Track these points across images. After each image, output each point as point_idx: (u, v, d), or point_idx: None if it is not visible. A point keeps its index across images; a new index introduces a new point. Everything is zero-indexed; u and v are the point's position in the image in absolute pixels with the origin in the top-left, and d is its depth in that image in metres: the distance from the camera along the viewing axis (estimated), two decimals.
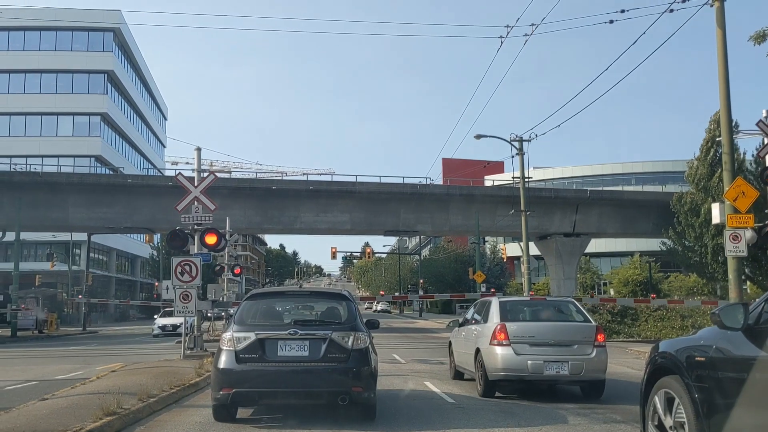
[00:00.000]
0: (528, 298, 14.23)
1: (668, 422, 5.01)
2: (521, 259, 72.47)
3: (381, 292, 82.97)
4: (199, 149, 17.62)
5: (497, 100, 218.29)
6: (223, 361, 8.17)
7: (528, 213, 32.33)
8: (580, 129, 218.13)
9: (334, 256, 66.71)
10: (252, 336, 8.19)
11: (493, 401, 10.69)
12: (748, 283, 53.64)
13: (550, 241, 44.34)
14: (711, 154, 39.79)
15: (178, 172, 16.51)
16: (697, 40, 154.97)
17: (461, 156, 61.55)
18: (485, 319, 11.77)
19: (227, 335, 8.39)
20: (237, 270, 32.87)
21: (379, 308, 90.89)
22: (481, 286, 42.43)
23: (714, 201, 39.35)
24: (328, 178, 43.90)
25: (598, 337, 10.94)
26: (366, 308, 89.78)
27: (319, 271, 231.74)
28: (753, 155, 40.64)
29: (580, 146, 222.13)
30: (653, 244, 67.83)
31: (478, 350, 11.39)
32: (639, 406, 5.61)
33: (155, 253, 73.63)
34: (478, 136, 31.65)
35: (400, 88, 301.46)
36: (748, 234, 15.84)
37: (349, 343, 8.23)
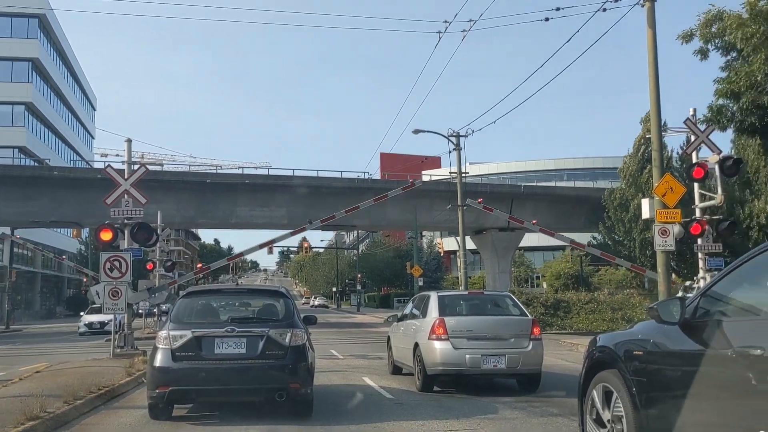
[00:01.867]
0: (466, 293, 14.32)
1: (606, 416, 5.03)
2: (457, 253, 73.44)
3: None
4: (129, 140, 16.98)
5: (436, 96, 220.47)
6: (159, 360, 8.11)
7: (465, 207, 32.58)
8: (516, 126, 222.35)
9: (270, 251, 66.06)
10: (188, 334, 8.14)
11: (432, 396, 10.72)
12: (674, 276, 55.92)
13: (485, 235, 44.94)
14: (642, 150, 41.14)
15: (107, 164, 15.88)
16: (631, 39, 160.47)
17: (399, 151, 61.59)
18: (424, 314, 11.78)
19: (163, 333, 8.31)
20: (169, 266, 31.94)
21: (316, 303, 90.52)
22: (418, 281, 42.68)
23: (644, 197, 40.84)
24: (264, 171, 43.23)
25: (534, 330, 11.08)
26: (303, 303, 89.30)
27: (255, 266, 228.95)
28: (678, 153, 42.28)
29: (516, 143, 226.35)
30: (584, 238, 69.84)
31: (416, 345, 11.42)
32: (577, 399, 5.61)
33: (83, 248, 71.21)
34: (416, 132, 31.75)
35: (338, 83, 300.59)
36: (676, 229, 16.38)
37: (287, 340, 8.21)
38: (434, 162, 79.20)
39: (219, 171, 42.37)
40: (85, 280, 55.87)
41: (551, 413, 9.00)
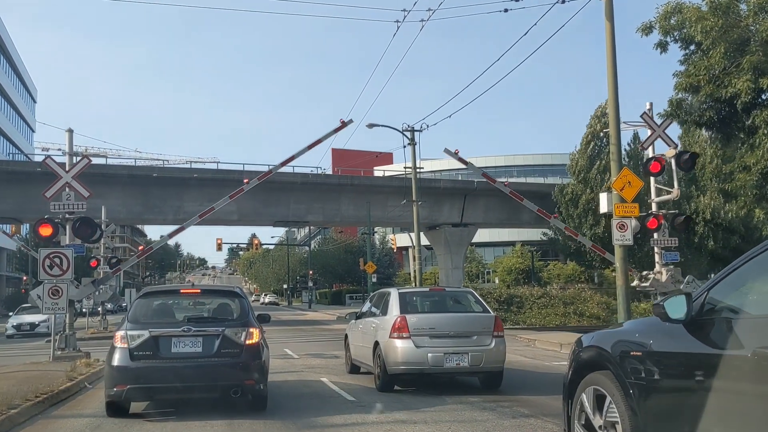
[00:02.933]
0: (427, 289, 13.96)
1: (597, 421, 4.67)
2: (410, 249, 73.37)
3: None
4: (70, 131, 16.00)
5: (391, 92, 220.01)
6: (117, 359, 8.35)
7: (419, 203, 32.30)
8: (470, 122, 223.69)
9: (219, 248, 64.63)
10: (146, 333, 8.41)
11: (393, 395, 10.36)
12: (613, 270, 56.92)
13: (439, 231, 44.83)
14: (591, 147, 41.61)
15: (47, 155, 14.92)
16: (586, 35, 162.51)
17: (351, 148, 61.01)
18: (384, 312, 11.40)
19: (120, 333, 8.51)
20: (114, 263, 30.67)
21: (266, 300, 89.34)
22: (372, 277, 42.28)
23: (592, 192, 41.38)
24: (213, 166, 42.11)
25: (497, 327, 10.83)
26: (253, 300, 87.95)
27: (203, 263, 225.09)
28: (626, 149, 42.94)
29: (469, 140, 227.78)
30: (534, 234, 70.67)
31: (377, 344, 11.06)
32: (562, 402, 5.25)
33: (23, 245, 68.36)
34: (370, 125, 31.32)
35: (288, 77, 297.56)
36: (633, 223, 16.36)
37: (242, 339, 8.53)
38: (386, 158, 78.99)
39: (166, 166, 41.05)
40: (24, 278, 53.59)
41: (522, 413, 8.67)
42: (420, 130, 31.15)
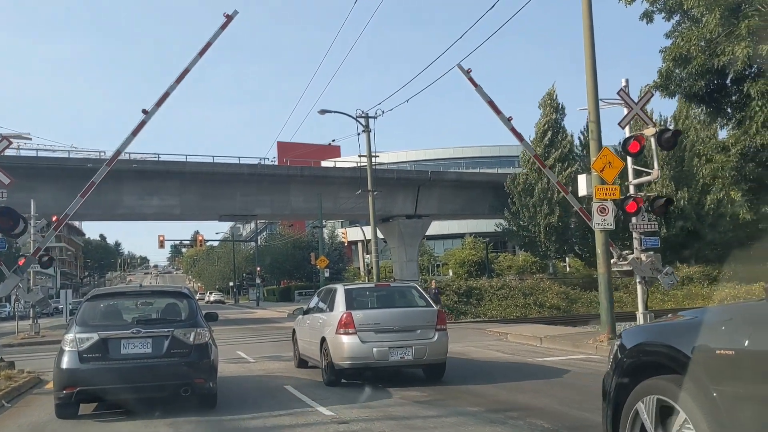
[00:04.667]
0: (373, 285, 14.20)
1: None
2: (360, 244, 72.00)
3: None
4: None
5: (341, 83, 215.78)
6: (66, 362, 8.41)
7: (374, 193, 30.92)
8: (423, 114, 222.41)
9: (162, 245, 62.04)
10: (95, 336, 8.50)
11: (342, 390, 10.27)
12: (567, 260, 56.81)
13: (392, 223, 43.58)
14: (548, 136, 41.01)
15: None
16: (546, 24, 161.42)
17: (298, 140, 59.13)
18: (331, 308, 11.58)
19: (69, 336, 8.59)
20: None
21: (212, 299, 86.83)
22: (324, 272, 40.73)
23: (548, 181, 40.80)
24: (154, 157, 39.72)
25: (440, 321, 11.14)
26: (198, 299, 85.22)
27: (144, 262, 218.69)
28: (579, 137, 42.53)
29: (422, 132, 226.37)
30: (483, 225, 70.17)
31: (323, 339, 11.25)
32: (602, 415, 4.24)
33: None
34: (323, 112, 29.75)
35: (230, 70, 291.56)
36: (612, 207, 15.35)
37: (191, 339, 8.71)
38: (334, 151, 77.34)
39: (102, 157, 38.48)
40: None
41: (541, 427, 7.34)
42: (375, 117, 29.75)
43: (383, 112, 29.30)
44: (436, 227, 68.85)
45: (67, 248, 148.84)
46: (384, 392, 10.07)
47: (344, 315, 10.78)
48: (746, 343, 3.24)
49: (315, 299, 13.41)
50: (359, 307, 11.24)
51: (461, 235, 75.23)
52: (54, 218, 14.39)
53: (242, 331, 27.35)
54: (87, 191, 15.93)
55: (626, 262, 16.20)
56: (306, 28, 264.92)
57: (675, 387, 3.58)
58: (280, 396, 10.09)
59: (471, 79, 17.99)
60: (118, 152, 15.45)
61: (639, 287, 16.47)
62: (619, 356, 4.25)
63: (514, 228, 42.71)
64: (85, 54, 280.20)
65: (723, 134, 16.01)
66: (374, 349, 10.53)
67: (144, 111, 16.63)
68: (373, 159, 30.77)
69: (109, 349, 8.47)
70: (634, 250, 16.59)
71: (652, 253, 16.44)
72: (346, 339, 10.60)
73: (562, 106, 42.20)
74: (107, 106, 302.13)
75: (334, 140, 45.35)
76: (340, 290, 11.64)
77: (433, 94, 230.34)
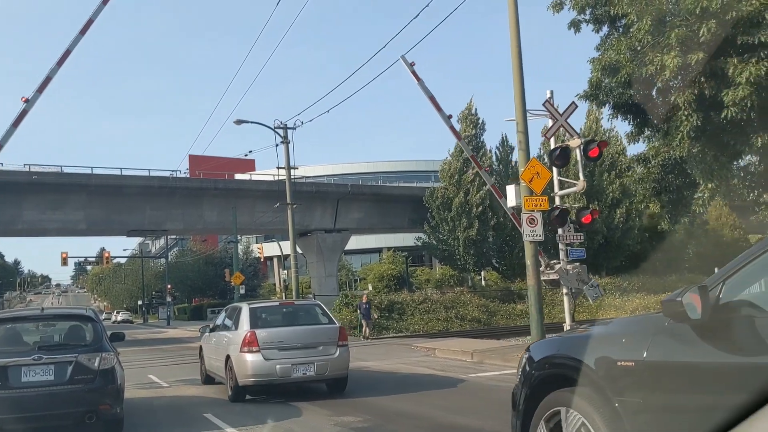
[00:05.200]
0: (277, 303, 14.40)
1: None
2: (279, 258, 70.40)
3: None
4: None
5: (258, 95, 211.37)
6: None
7: (293, 206, 30.02)
8: (339, 129, 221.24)
9: (65, 262, 58.72)
10: None
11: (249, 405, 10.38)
12: (483, 273, 57.48)
13: (311, 237, 42.63)
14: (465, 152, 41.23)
15: None
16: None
17: (211, 153, 57.28)
18: (236, 326, 11.86)
19: None
20: None
21: (119, 318, 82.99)
22: (240, 288, 39.31)
23: (467, 195, 41.04)
24: (57, 169, 37.29)
25: (341, 337, 11.61)
26: (104, 319, 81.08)
27: (46, 280, 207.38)
28: (496, 152, 43.05)
29: (339, 147, 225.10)
30: (401, 239, 70.30)
31: (228, 357, 11.55)
32: (511, 429, 4.50)
33: None
34: (239, 122, 28.62)
35: (140, 84, 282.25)
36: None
37: (96, 364, 8.37)
38: (248, 164, 75.74)
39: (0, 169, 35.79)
40: None
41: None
42: (294, 128, 28.94)
43: (302, 122, 28.63)
44: (353, 242, 68.29)
45: None
46: (293, 408, 10.27)
47: (248, 334, 11.07)
48: (644, 355, 3.40)
49: (222, 316, 13.68)
50: (263, 325, 11.55)
51: (378, 250, 75.00)
52: None
53: (153, 353, 25.76)
54: None
55: (553, 272, 16.11)
56: (222, 38, 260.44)
57: (579, 399, 3.73)
58: (197, 424, 9.27)
59: (414, 73, 17.69)
60: None
61: (566, 299, 16.40)
62: (527, 369, 4.42)
63: (434, 242, 42.71)
64: None
65: (642, 147, 16.08)
66: (277, 366, 10.89)
67: (24, 99, 15.11)
68: (291, 171, 29.85)
69: (9, 377, 8.07)
70: (561, 261, 16.52)
71: (578, 264, 16.42)
72: (249, 357, 10.91)
73: (482, 121, 42.48)
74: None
75: (250, 151, 43.80)
76: (245, 309, 11.94)
77: (353, 107, 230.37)
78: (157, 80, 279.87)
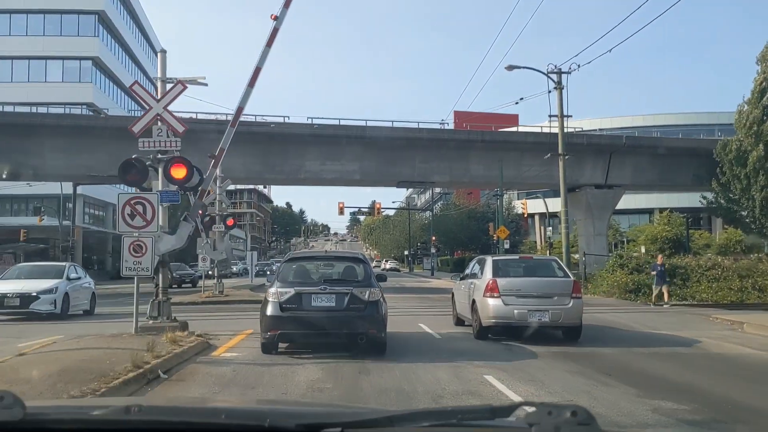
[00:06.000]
0: (517, 257, 16.29)
1: None
2: (541, 216, 68.39)
3: None
4: (163, 52, 13.05)
5: (526, 44, 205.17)
6: (270, 310, 10.33)
7: (565, 157, 27.99)
8: (609, 80, 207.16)
9: (341, 212, 63.32)
10: (292, 291, 10.37)
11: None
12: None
13: (579, 193, 40.03)
14: (767, 95, 35.29)
15: (134, 81, 12.26)
16: None
17: (475, 109, 56.66)
18: (481, 275, 13.35)
19: (272, 290, 10.50)
20: (230, 221, 28.61)
21: (388, 266, 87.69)
22: (504, 243, 38.40)
23: (767, 148, 35.21)
24: (335, 122, 39.41)
25: (575, 290, 12.58)
26: (374, 266, 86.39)
27: (326, 229, 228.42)
28: None
29: (609, 99, 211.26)
30: (675, 200, 63.68)
31: (474, 301, 13.14)
32: None
33: None
34: (510, 67, 27.21)
35: (413, 43, 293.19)
36: None
37: (366, 296, 10.36)
38: (512, 119, 73.96)
39: (286, 122, 38.83)
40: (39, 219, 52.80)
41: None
42: (568, 72, 26.74)
43: (578, 66, 26.10)
44: (621, 201, 63.57)
45: (257, 214, 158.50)
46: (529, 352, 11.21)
47: (490, 281, 12.58)
48: None
49: (470, 266, 15.38)
50: (504, 275, 12.92)
51: (649, 210, 69.14)
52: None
53: (420, 301, 26.01)
54: (219, 158, 14.04)
55: None
56: None
57: None
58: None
59: None
60: (240, 109, 13.70)
61: None
62: None
63: (723, 202, 37.61)
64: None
65: None
66: (515, 311, 12.23)
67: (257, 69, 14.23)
68: (564, 120, 27.78)
69: (302, 302, 10.31)
70: None
71: None
72: (491, 301, 12.39)
73: None
74: (290, 78, 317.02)
75: (521, 99, 41.16)
76: (489, 260, 13.59)
77: (632, 51, 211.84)
78: (425, 41, 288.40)
